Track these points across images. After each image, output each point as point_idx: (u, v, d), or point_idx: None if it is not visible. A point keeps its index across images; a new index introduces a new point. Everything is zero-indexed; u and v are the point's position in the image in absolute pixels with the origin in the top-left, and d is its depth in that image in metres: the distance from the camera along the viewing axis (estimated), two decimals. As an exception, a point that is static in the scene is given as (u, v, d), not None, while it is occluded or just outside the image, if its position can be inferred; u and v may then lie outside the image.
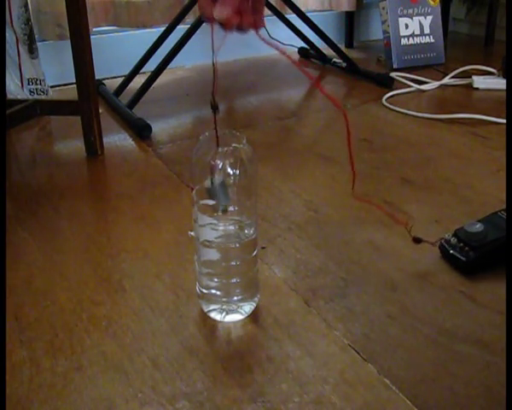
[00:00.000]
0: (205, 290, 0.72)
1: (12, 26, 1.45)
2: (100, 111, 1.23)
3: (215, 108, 0.64)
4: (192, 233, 0.71)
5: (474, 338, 0.68)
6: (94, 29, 1.68)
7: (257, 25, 0.64)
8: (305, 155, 1.21)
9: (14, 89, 1.46)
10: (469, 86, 1.63)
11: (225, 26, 0.61)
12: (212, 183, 0.66)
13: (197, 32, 1.47)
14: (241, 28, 0.62)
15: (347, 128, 0.65)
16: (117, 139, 1.32)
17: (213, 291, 0.71)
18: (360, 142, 1.28)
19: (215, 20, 0.61)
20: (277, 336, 0.69)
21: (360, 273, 0.81)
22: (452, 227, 0.85)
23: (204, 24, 1.48)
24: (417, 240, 0.82)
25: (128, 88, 1.54)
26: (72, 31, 1.13)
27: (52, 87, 1.61)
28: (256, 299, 0.73)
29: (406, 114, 1.43)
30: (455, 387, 0.61)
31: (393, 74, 1.71)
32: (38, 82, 1.53)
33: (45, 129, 1.41)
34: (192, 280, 0.76)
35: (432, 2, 1.90)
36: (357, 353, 0.66)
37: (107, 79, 1.70)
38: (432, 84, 1.65)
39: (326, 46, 1.81)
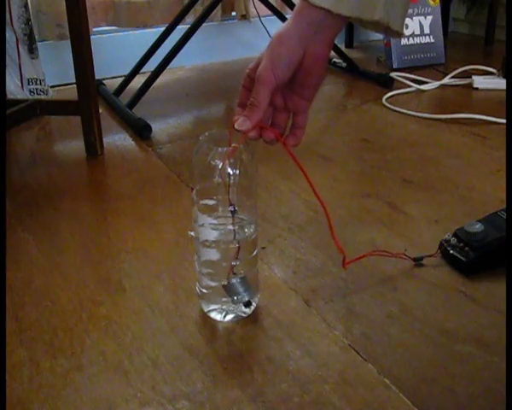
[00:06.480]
0: (205, 290, 0.72)
1: (12, 26, 1.45)
2: (100, 111, 1.23)
3: (233, 211, 0.65)
4: (192, 233, 0.71)
5: (474, 338, 0.68)
6: (94, 29, 1.68)
7: (290, 142, 0.65)
8: (305, 155, 1.20)
9: (14, 89, 1.46)
10: (469, 86, 1.63)
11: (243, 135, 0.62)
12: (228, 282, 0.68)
13: (197, 32, 1.47)
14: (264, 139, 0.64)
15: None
16: (117, 139, 1.32)
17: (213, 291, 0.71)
18: (360, 142, 1.28)
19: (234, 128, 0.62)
20: (277, 336, 0.69)
21: (360, 273, 0.81)
22: (452, 227, 0.85)
23: (204, 24, 1.49)
24: (418, 259, 0.82)
25: (128, 88, 1.54)
26: (72, 31, 1.13)
27: (52, 87, 1.60)
28: (256, 299, 0.73)
29: (406, 113, 1.43)
30: (455, 387, 0.61)
31: (393, 74, 1.71)
32: (38, 82, 1.53)
33: (45, 129, 1.41)
34: (192, 280, 0.76)
35: (432, 2, 1.90)
36: (357, 353, 0.66)
37: (107, 79, 1.69)
38: (432, 84, 1.65)
39: (326, 46, 1.81)
